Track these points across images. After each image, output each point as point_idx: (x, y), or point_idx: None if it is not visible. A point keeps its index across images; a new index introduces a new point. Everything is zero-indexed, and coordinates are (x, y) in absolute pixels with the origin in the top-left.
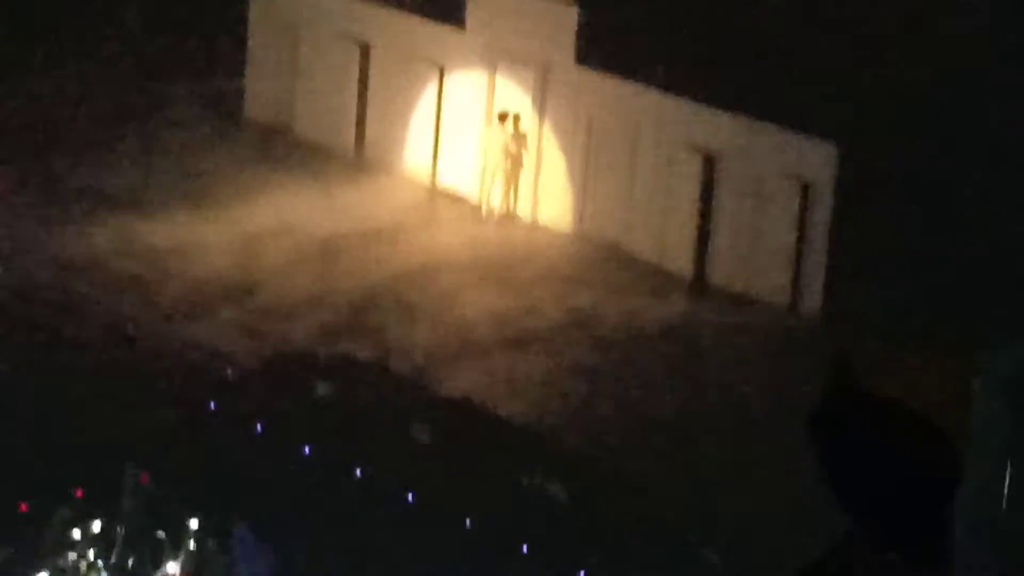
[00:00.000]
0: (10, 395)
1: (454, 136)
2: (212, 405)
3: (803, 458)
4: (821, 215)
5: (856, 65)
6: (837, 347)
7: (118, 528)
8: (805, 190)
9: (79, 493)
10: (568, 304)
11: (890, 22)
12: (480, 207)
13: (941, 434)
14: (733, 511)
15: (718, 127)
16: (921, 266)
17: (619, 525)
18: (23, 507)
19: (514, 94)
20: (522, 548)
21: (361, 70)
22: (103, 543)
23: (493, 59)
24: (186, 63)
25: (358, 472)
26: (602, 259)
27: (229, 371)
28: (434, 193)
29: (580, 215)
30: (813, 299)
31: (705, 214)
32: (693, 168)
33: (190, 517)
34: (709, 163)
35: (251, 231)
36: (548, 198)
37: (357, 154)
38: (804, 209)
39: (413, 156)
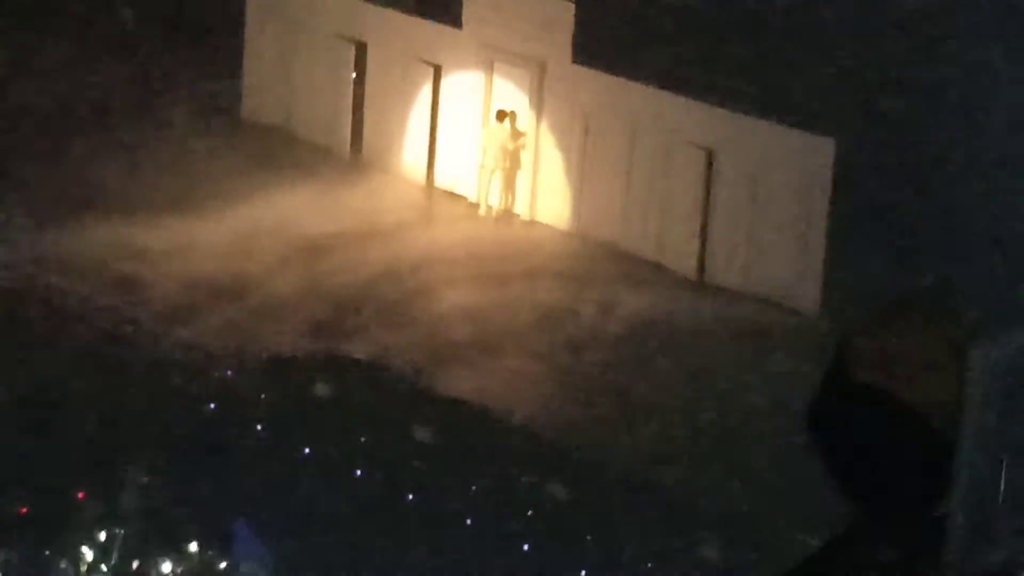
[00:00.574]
0: (9, 397)
1: (451, 134)
2: (211, 406)
3: (803, 453)
4: (820, 210)
5: (854, 59)
6: (836, 342)
7: (117, 530)
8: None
9: (80, 495)
10: (566, 301)
11: (889, 15)
12: (478, 205)
13: (937, 427)
14: (732, 508)
15: (715, 124)
16: (921, 259)
17: (619, 523)
18: (23, 510)
19: (511, 92)
20: (522, 547)
21: (358, 69)
22: (103, 545)
23: (489, 57)
24: (183, 63)
25: (358, 472)
26: (599, 256)
27: (228, 372)
28: (432, 192)
29: (578, 212)
30: (812, 294)
31: (705, 210)
32: (691, 165)
33: (190, 518)
34: (707, 159)
35: (248, 231)
36: (546, 196)
37: (354, 153)
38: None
39: (410, 155)
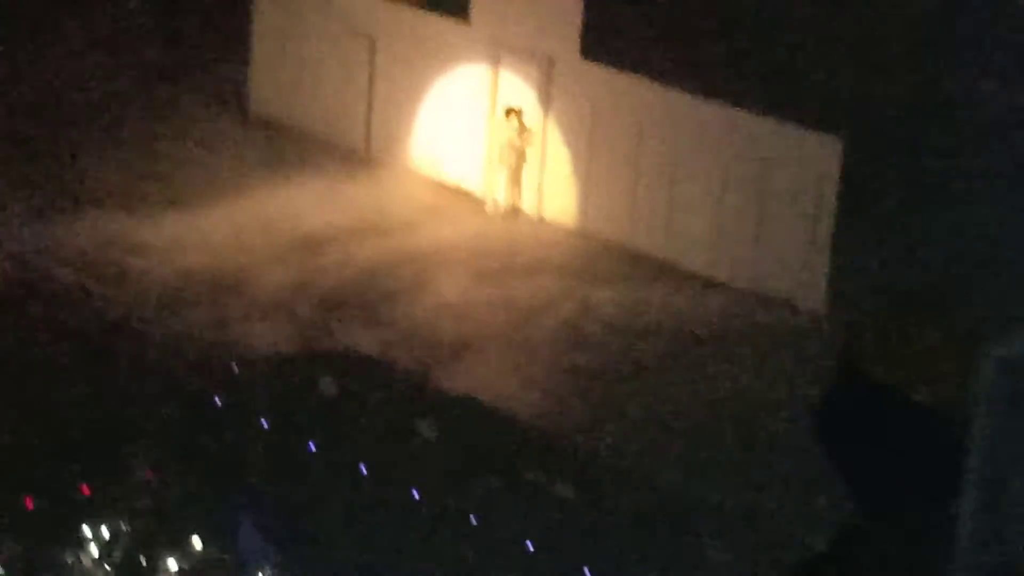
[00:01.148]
0: (13, 391)
1: (459, 130)
2: (216, 400)
3: (809, 452)
4: (826, 209)
5: (861, 58)
6: (842, 341)
7: (122, 525)
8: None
9: (85, 490)
10: (572, 298)
11: (896, 13)
12: (484, 202)
13: (945, 425)
14: (739, 506)
15: (722, 121)
16: (927, 258)
17: (625, 522)
18: (29, 504)
19: (519, 88)
20: (527, 546)
21: (366, 64)
22: (107, 540)
23: (498, 53)
24: (192, 57)
25: (363, 468)
26: (607, 253)
27: (235, 366)
28: (439, 187)
29: (585, 209)
30: (819, 293)
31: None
32: (699, 162)
33: (194, 514)
34: (715, 157)
35: (255, 225)
36: (553, 193)
37: (362, 148)
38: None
39: (418, 150)
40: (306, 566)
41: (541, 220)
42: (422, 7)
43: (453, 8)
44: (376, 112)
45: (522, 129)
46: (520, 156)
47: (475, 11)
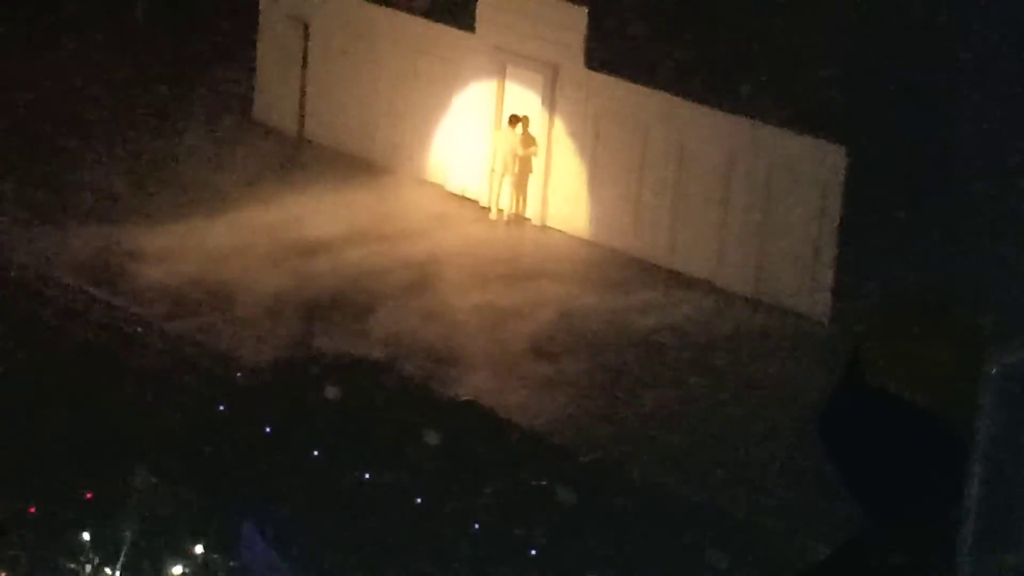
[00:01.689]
0: (18, 397)
1: (464, 138)
2: (221, 407)
3: (814, 458)
4: (831, 216)
5: (864, 65)
6: (848, 347)
7: (126, 531)
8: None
9: (88, 496)
10: (575, 305)
11: (899, 23)
12: (489, 209)
13: (950, 432)
14: (742, 512)
15: (727, 130)
16: (933, 266)
17: (626, 528)
18: (32, 510)
19: (524, 96)
20: (530, 551)
21: (371, 72)
22: (110, 546)
23: (502, 61)
24: (196, 63)
25: (366, 475)
26: (611, 261)
27: (238, 373)
28: (444, 195)
29: (589, 217)
30: (824, 300)
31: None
32: (703, 171)
33: (198, 520)
34: (718, 166)
35: (257, 230)
36: (557, 200)
37: (366, 156)
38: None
39: (423, 158)
40: (308, 571)
41: (545, 227)
42: (426, 16)
43: (458, 17)
44: (381, 120)
45: (527, 138)
46: (524, 164)
47: (480, 21)
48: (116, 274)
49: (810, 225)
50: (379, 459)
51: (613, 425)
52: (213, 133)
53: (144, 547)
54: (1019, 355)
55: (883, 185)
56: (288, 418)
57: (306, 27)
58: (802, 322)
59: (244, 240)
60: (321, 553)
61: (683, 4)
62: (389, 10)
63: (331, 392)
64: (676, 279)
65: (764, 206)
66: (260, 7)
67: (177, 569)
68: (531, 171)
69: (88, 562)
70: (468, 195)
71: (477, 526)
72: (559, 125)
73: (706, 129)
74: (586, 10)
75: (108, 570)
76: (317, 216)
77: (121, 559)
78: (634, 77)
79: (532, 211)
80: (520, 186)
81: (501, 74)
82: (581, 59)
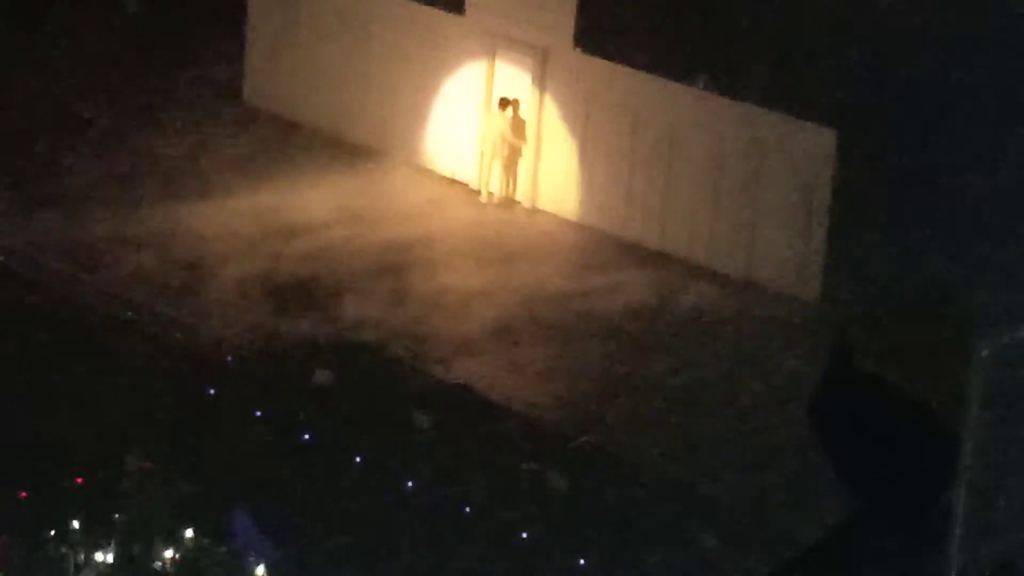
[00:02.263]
0: (9, 383)
1: (453, 121)
2: (211, 391)
3: (804, 444)
4: (821, 200)
5: (855, 51)
6: (837, 333)
7: (116, 516)
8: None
9: (78, 481)
10: (566, 288)
11: (890, 11)
12: (479, 192)
13: (939, 419)
14: (734, 497)
15: (717, 112)
16: (921, 252)
17: (619, 513)
18: (23, 495)
19: (513, 79)
20: (522, 536)
21: (360, 55)
22: (101, 532)
23: (492, 44)
24: (186, 47)
25: (357, 459)
26: (602, 244)
27: (228, 357)
28: (434, 178)
29: (579, 200)
30: (813, 285)
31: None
32: (694, 153)
33: (189, 505)
34: (709, 148)
35: (247, 215)
36: (547, 183)
37: (356, 139)
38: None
39: (413, 141)
40: (300, 558)
41: (535, 210)
42: None
43: (449, 1)
44: (370, 103)
45: (516, 120)
46: (514, 147)
47: (470, 3)
48: (104, 259)
49: (800, 208)
50: (371, 444)
51: (606, 409)
52: (203, 117)
53: (135, 533)
54: (1007, 341)
55: (874, 169)
56: (278, 401)
57: (296, 10)
58: (793, 306)
59: (233, 224)
60: (312, 537)
61: None
62: None
63: (321, 375)
64: (666, 261)
65: (755, 188)
66: None
67: (168, 554)
68: (521, 154)
69: (78, 548)
70: (458, 178)
71: (468, 510)
72: (549, 108)
73: (697, 111)
74: None
75: (98, 556)
76: (307, 200)
77: (111, 545)
78: (625, 59)
79: (522, 194)
80: (510, 169)
81: (491, 57)
82: (571, 42)
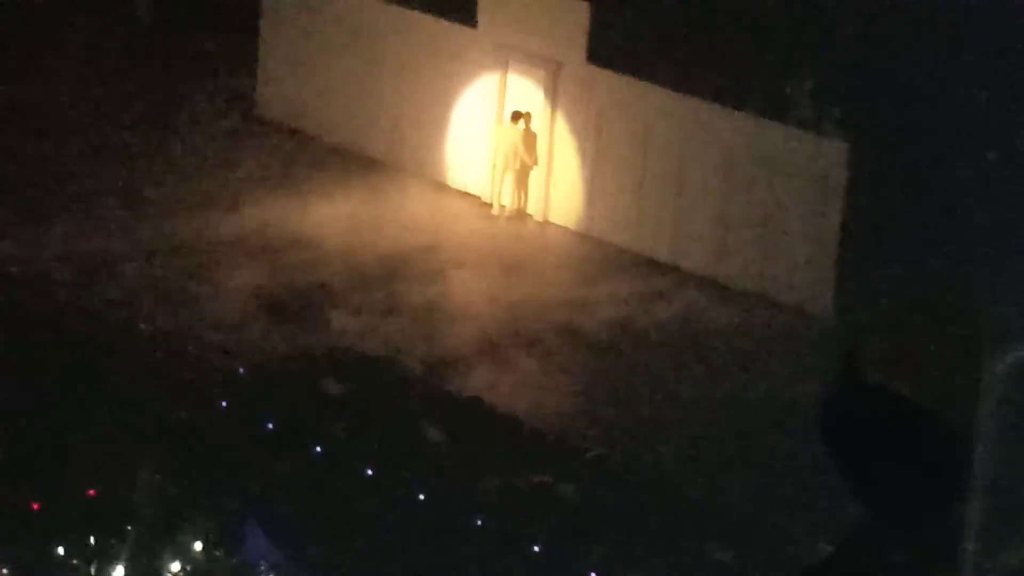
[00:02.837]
0: (20, 393)
1: (466, 134)
2: (223, 404)
3: (815, 455)
4: (833, 213)
5: (866, 63)
6: (847, 344)
7: (128, 528)
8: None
9: (90, 492)
10: (577, 301)
11: (900, 18)
12: (490, 205)
13: (950, 430)
14: (744, 510)
15: (730, 126)
16: (933, 262)
17: (629, 525)
18: (35, 506)
19: (526, 92)
20: (532, 548)
21: (373, 68)
22: (113, 543)
23: (504, 57)
24: (199, 58)
25: (368, 471)
26: (612, 257)
27: (240, 369)
28: (446, 191)
29: (591, 213)
30: (825, 297)
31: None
32: (705, 167)
33: (199, 517)
34: (721, 162)
35: (257, 226)
36: (559, 196)
37: (368, 152)
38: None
39: (425, 154)
40: (310, 568)
41: (547, 223)
42: (429, 12)
43: (460, 12)
44: (382, 116)
45: (528, 133)
46: (526, 160)
47: (482, 16)
48: (113, 270)
49: (812, 221)
50: (381, 456)
51: (616, 421)
52: (214, 129)
53: (147, 544)
54: (1020, 354)
55: (886, 181)
56: (290, 414)
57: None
58: (805, 319)
59: (243, 235)
60: (323, 550)
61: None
62: (391, 6)
63: (332, 387)
64: (677, 274)
65: (766, 202)
66: (263, 3)
67: (176, 566)
68: (533, 167)
69: (91, 560)
70: (470, 191)
71: (479, 523)
72: (561, 121)
73: (708, 125)
74: (588, 5)
75: (110, 568)
76: (316, 211)
77: (124, 556)
78: (636, 73)
79: (534, 207)
80: (521, 182)
81: (504, 70)
82: (583, 55)
